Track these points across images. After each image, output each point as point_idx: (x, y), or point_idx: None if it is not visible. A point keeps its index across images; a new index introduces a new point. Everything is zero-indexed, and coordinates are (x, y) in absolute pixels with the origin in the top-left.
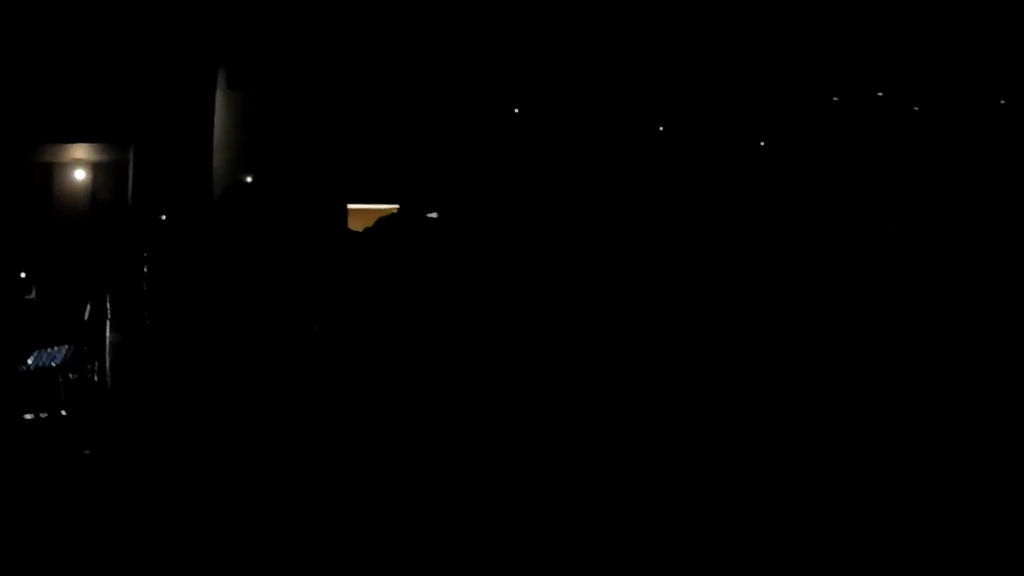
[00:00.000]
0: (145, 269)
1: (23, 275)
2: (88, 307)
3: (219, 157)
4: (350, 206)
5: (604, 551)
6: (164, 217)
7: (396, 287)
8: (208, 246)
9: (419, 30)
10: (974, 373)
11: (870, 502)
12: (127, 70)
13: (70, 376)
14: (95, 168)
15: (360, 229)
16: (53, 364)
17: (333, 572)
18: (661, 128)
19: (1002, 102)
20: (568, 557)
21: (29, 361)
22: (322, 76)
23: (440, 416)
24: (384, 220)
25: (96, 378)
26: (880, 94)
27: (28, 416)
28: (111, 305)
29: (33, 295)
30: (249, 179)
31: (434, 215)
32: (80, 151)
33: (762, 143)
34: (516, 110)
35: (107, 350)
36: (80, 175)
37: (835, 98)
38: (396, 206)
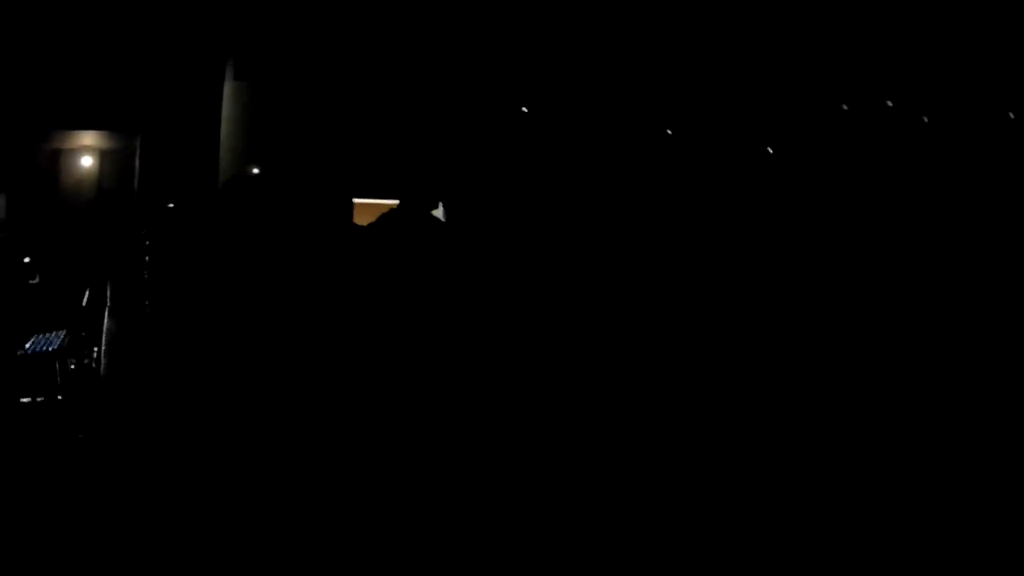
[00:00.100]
0: (146, 257)
1: (27, 260)
2: (87, 293)
3: (226, 147)
4: (356, 200)
5: (604, 551)
6: (172, 206)
7: (401, 283)
8: (212, 236)
9: (431, 24)
10: (974, 373)
11: (870, 501)
12: (135, 58)
13: (69, 362)
14: (102, 155)
15: (365, 224)
16: (50, 349)
17: (331, 566)
18: (669, 132)
19: (1011, 115)
20: (568, 557)
21: (27, 346)
22: (331, 69)
23: (443, 411)
24: (387, 215)
25: (94, 364)
26: (889, 103)
27: (25, 400)
28: (111, 292)
29: (37, 280)
30: (256, 170)
31: (440, 214)
32: (87, 138)
33: (770, 150)
34: (525, 109)
35: (103, 337)
36: (87, 162)
37: (845, 106)
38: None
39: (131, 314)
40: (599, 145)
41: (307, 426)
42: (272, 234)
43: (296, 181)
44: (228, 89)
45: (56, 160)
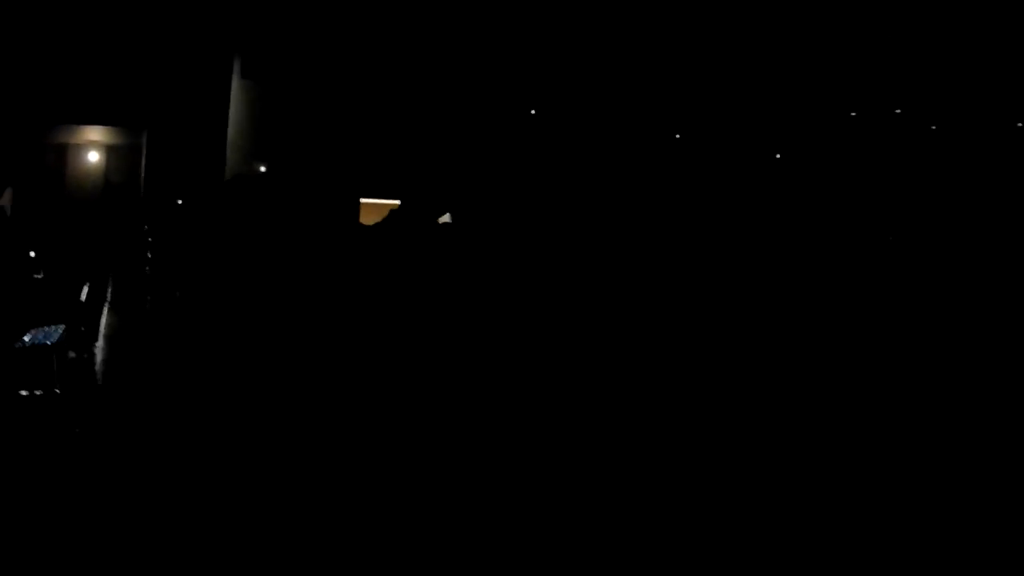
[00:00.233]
0: (149, 254)
1: (32, 254)
2: (86, 288)
3: (232, 145)
4: (362, 200)
5: (604, 551)
6: (180, 202)
7: (406, 283)
8: (217, 233)
9: (439, 24)
10: (973, 373)
11: (870, 501)
12: (144, 55)
13: (69, 355)
14: (108, 151)
15: (370, 223)
16: (49, 343)
17: (329, 561)
18: (677, 136)
19: (1020, 124)
20: (568, 557)
21: (26, 339)
22: (338, 69)
23: (446, 407)
24: (393, 215)
25: (92, 358)
26: (898, 111)
27: (23, 392)
28: (112, 287)
29: (42, 274)
30: (262, 168)
31: (447, 218)
32: (95, 133)
33: (778, 155)
34: (533, 111)
35: (101, 331)
36: (93, 157)
37: (852, 113)
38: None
39: (132, 309)
40: (608, 149)
41: (307, 421)
42: (277, 232)
43: (302, 180)
44: (235, 87)
45: (63, 155)
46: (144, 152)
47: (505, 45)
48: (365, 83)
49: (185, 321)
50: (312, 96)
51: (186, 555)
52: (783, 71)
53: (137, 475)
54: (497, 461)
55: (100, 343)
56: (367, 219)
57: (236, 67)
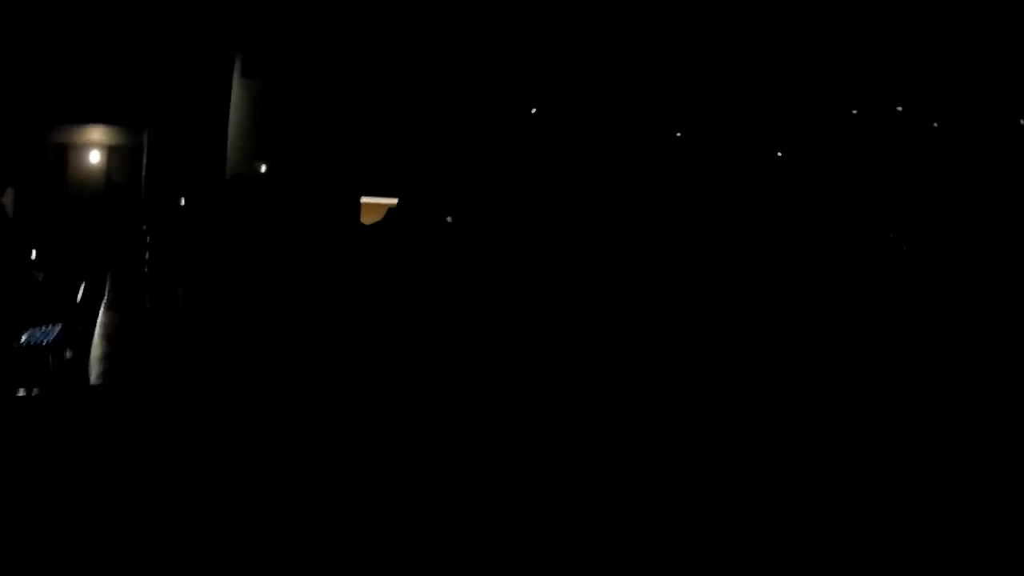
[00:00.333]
0: (147, 254)
1: (34, 254)
2: (82, 287)
3: (233, 145)
4: (363, 199)
5: (604, 550)
6: (182, 202)
7: (407, 283)
8: (218, 233)
9: (440, 23)
10: (973, 374)
11: (870, 501)
12: (144, 54)
13: (66, 355)
14: (110, 151)
15: (370, 222)
16: (45, 343)
17: (329, 561)
18: (679, 134)
19: (1022, 121)
20: (568, 557)
21: (23, 338)
22: (339, 68)
23: (445, 406)
24: (392, 214)
25: (87, 357)
26: (900, 108)
27: (20, 393)
28: (110, 287)
29: (43, 277)
30: (263, 168)
31: (448, 218)
32: (95, 133)
33: (779, 153)
34: (533, 110)
35: (96, 331)
36: (95, 157)
37: (854, 111)
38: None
39: (131, 308)
40: (609, 147)
41: (308, 419)
42: (278, 231)
43: (303, 179)
44: (236, 86)
45: (64, 155)
46: (146, 151)
47: (505, 45)
48: (366, 82)
49: (185, 319)
50: (314, 95)
51: (186, 555)
52: (783, 70)
53: (137, 475)
54: (497, 460)
55: (97, 342)
56: (367, 218)
57: (237, 66)
